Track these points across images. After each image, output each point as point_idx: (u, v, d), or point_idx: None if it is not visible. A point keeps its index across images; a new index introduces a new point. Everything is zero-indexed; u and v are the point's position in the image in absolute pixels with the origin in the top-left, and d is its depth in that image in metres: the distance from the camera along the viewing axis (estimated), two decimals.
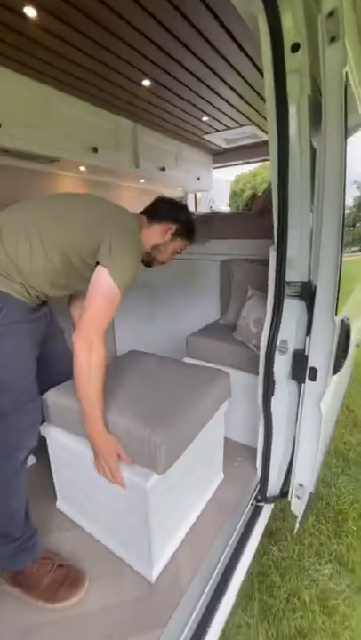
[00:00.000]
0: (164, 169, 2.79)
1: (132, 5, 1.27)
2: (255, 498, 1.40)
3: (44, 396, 1.12)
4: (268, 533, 1.53)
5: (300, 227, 1.10)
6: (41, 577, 0.97)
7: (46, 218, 1.03)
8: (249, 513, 1.34)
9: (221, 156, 3.50)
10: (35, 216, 1.02)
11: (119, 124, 2.30)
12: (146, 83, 1.84)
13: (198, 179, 3.37)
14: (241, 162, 3.47)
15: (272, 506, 1.45)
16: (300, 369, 1.19)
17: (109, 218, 1.07)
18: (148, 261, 1.26)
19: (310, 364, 1.15)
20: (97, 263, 0.98)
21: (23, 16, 1.30)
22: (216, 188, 4.05)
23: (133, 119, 2.39)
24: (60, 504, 1.29)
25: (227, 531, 1.20)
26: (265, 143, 3.02)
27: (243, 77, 1.82)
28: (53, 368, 1.18)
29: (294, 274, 1.16)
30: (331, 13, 0.87)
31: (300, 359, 1.19)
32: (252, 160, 3.36)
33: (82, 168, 2.33)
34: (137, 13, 1.32)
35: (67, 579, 0.99)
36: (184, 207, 1.27)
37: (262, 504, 1.40)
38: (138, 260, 1.08)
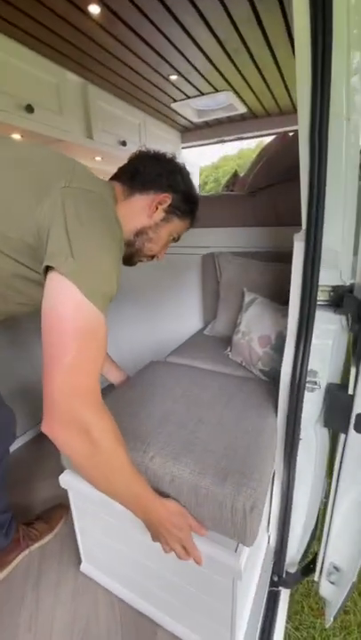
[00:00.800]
0: (124, 143, 2.29)
1: None
2: (271, 580, 1.03)
3: None
4: None
5: (343, 204, 0.71)
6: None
7: None
8: (265, 608, 0.96)
9: (192, 133, 3.06)
10: None
11: (64, 77, 1.75)
12: (94, 10, 1.34)
13: None
14: (213, 140, 3.05)
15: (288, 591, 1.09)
16: (340, 414, 0.81)
17: (58, 179, 0.61)
18: (128, 256, 0.84)
19: (358, 409, 0.77)
20: (47, 269, 0.55)
21: None
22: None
23: (82, 73, 1.86)
24: (85, 567, 1.01)
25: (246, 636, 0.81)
26: (242, 118, 2.62)
27: (228, 12, 1.38)
28: None
29: (332, 274, 0.77)
30: None
31: (340, 400, 0.81)
32: (227, 138, 2.95)
33: (15, 135, 1.78)
34: None
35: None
36: (181, 166, 0.82)
37: (279, 588, 1.03)
38: (119, 253, 0.66)
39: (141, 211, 0.78)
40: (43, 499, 1.28)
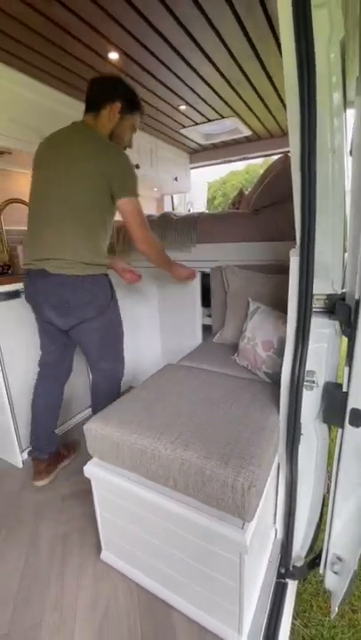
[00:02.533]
0: (137, 166, 2.47)
1: None
2: (278, 572, 1.09)
3: (85, 427, 0.97)
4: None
5: (332, 222, 0.82)
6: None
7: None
8: (272, 597, 1.02)
9: (199, 154, 3.24)
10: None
11: (82, 110, 1.95)
12: (113, 56, 1.53)
13: (176, 179, 3.09)
14: (220, 161, 3.23)
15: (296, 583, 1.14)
16: (337, 410, 0.89)
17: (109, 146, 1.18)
18: None
19: (352, 404, 0.86)
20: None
21: None
22: (193, 191, 3.78)
23: None
24: (105, 555, 1.10)
25: (252, 633, 0.87)
26: (247, 140, 2.80)
27: (230, 51, 1.54)
28: None
29: (324, 284, 0.87)
30: None
31: (335, 397, 0.89)
32: (233, 159, 3.12)
33: None
34: None
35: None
36: (118, 78, 1.23)
37: (287, 580, 1.08)
38: (124, 153, 1.19)
39: (107, 121, 1.19)
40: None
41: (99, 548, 1.10)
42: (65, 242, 1.16)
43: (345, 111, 0.86)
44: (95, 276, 1.22)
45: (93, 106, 1.18)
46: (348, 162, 0.85)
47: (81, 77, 1.73)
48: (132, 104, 1.22)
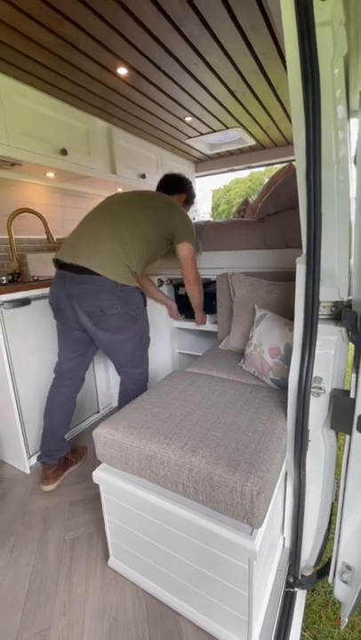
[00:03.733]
0: (144, 176, 2.52)
1: None
2: (286, 581, 1.08)
3: (94, 432, 0.98)
4: None
5: (337, 230, 0.84)
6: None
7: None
8: (281, 606, 1.01)
9: (204, 163, 3.29)
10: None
11: (93, 124, 2.01)
12: (122, 71, 1.58)
13: None
14: (225, 170, 3.27)
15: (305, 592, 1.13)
16: (344, 416, 0.90)
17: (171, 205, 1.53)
18: None
19: (360, 410, 0.86)
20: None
21: None
22: (198, 199, 3.83)
23: (108, 119, 2.12)
24: (113, 562, 1.08)
25: (262, 634, 0.86)
26: (251, 149, 2.84)
27: (235, 65, 1.58)
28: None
29: (330, 291, 0.88)
30: None
31: (343, 403, 0.90)
32: (237, 167, 3.16)
33: (50, 174, 2.01)
34: None
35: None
36: (186, 178, 1.72)
37: (295, 589, 1.07)
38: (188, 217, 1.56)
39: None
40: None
41: (106, 555, 1.10)
42: (110, 250, 1.28)
43: (349, 121, 0.88)
44: (131, 287, 1.32)
45: (167, 191, 1.62)
46: (353, 170, 0.87)
47: (90, 91, 1.78)
48: (191, 199, 1.74)
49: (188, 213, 1.59)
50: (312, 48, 0.74)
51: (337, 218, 0.83)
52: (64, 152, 1.83)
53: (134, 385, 1.47)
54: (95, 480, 0.98)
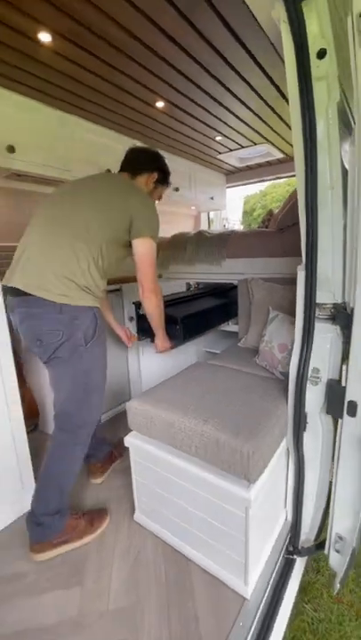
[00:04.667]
0: (177, 189, 2.77)
1: (145, 23, 1.25)
2: (286, 549, 1.23)
3: (127, 404, 1.19)
4: (301, 588, 1.34)
5: (331, 243, 1.00)
6: (78, 524, 1.21)
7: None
8: (280, 568, 1.16)
9: (235, 175, 3.49)
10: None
11: (131, 145, 2.30)
12: (160, 104, 1.84)
13: (212, 198, 3.35)
14: (255, 180, 3.44)
15: (305, 559, 1.27)
16: (337, 402, 1.04)
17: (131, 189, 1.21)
18: None
19: (349, 396, 1.01)
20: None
21: (38, 42, 1.30)
22: (228, 207, 4.01)
23: (147, 141, 2.40)
24: (138, 517, 1.30)
25: (254, 596, 1.03)
26: (279, 161, 3.00)
27: (257, 93, 1.78)
28: None
29: (326, 295, 1.04)
30: None
31: (335, 391, 1.05)
32: (267, 178, 3.32)
33: None
34: (149, 31, 1.30)
35: (94, 517, 1.27)
36: (158, 154, 1.36)
37: (295, 557, 1.22)
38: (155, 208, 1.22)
39: (143, 185, 1.29)
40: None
41: (133, 511, 1.32)
42: (46, 262, 1.03)
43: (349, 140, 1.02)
44: (78, 308, 1.05)
45: (131, 170, 1.27)
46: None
47: (134, 121, 2.08)
48: (165, 177, 1.37)
49: (159, 195, 1.37)
50: (310, 98, 0.92)
51: (331, 233, 0.99)
52: (108, 172, 2.13)
53: (56, 445, 1.16)
54: (126, 444, 1.21)
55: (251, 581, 1.02)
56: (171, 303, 1.78)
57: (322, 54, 0.90)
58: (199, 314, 1.73)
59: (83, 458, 1.21)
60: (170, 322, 1.53)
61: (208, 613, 0.98)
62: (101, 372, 1.19)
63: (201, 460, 1.02)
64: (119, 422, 2.05)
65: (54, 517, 1.14)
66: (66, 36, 1.27)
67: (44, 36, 1.26)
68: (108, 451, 1.56)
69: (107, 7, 1.16)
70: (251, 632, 0.95)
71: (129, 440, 1.20)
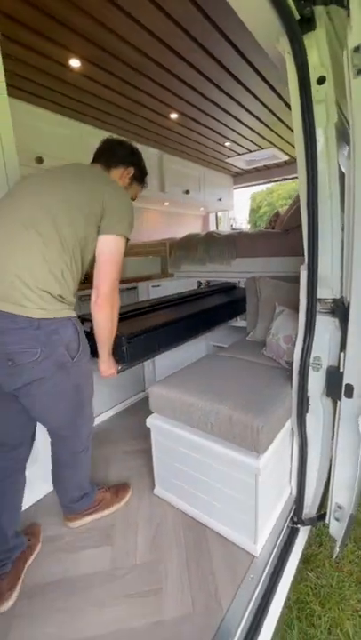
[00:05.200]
0: (188, 192, 2.91)
1: (160, 47, 1.40)
2: (291, 519, 1.37)
3: (149, 389, 1.33)
4: (304, 559, 1.48)
5: (330, 245, 1.13)
6: (105, 496, 1.35)
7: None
8: (285, 536, 1.31)
9: (242, 176, 3.61)
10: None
11: (147, 152, 2.46)
12: (173, 115, 1.98)
13: (220, 199, 3.48)
14: (261, 182, 3.56)
15: (308, 529, 1.41)
16: (336, 385, 1.18)
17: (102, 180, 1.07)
18: None
19: (346, 380, 1.14)
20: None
21: (68, 67, 1.45)
22: (235, 206, 4.14)
23: (160, 148, 2.55)
24: (157, 490, 1.45)
25: (262, 554, 1.17)
26: (285, 163, 3.13)
27: (264, 104, 1.91)
28: None
29: (326, 291, 1.17)
30: (357, 49, 0.92)
31: (334, 375, 1.18)
32: (273, 179, 3.44)
33: None
34: (164, 53, 1.44)
35: (119, 489, 1.42)
36: (136, 149, 1.23)
37: (298, 526, 1.36)
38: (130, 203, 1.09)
39: (117, 180, 1.15)
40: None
41: (152, 487, 1.48)
42: (13, 271, 0.90)
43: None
44: (57, 320, 0.94)
45: (105, 162, 1.13)
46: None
47: (149, 130, 2.23)
48: (142, 175, 1.23)
49: (135, 194, 1.23)
50: (311, 118, 1.05)
51: (330, 236, 1.12)
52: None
53: (70, 457, 1.17)
54: (148, 424, 1.36)
55: (259, 541, 1.16)
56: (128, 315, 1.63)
57: (321, 81, 1.03)
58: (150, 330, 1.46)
59: (89, 455, 1.25)
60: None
61: (222, 569, 1.13)
62: (91, 382, 1.14)
63: (215, 436, 1.17)
64: (136, 409, 2.21)
65: (82, 499, 1.28)
66: (91, 61, 1.42)
67: (74, 62, 1.41)
68: (22, 548, 1.14)
69: (127, 34, 1.31)
70: (260, 584, 1.09)
71: (150, 421, 1.35)
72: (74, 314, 1.02)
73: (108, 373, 1.23)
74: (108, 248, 1.01)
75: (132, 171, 1.18)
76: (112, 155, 1.15)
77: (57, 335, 0.95)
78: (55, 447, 1.18)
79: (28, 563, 1.15)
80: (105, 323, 1.07)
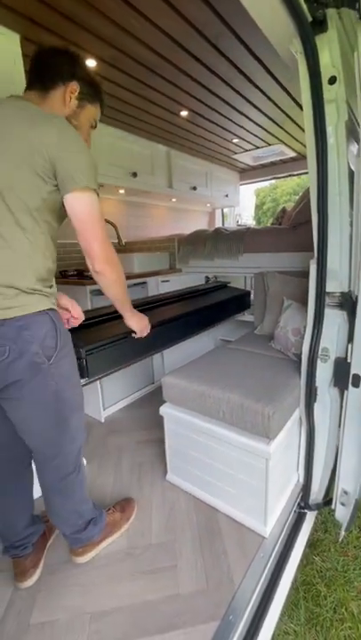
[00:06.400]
0: (195, 188, 2.95)
1: (173, 46, 1.43)
2: (298, 505, 1.42)
3: (162, 379, 1.38)
4: (310, 544, 1.53)
5: (339, 240, 1.17)
6: (114, 517, 1.27)
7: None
8: (292, 520, 1.36)
9: (248, 172, 3.64)
10: None
11: (155, 149, 2.50)
12: (183, 113, 2.01)
13: (226, 195, 3.51)
14: (267, 178, 3.58)
15: (315, 514, 1.46)
16: (343, 376, 1.23)
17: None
18: None
19: (353, 370, 1.19)
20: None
21: None
22: (241, 203, 4.16)
23: (168, 144, 2.58)
24: (170, 477, 1.50)
25: (272, 535, 1.23)
26: (292, 160, 3.16)
27: (272, 101, 1.94)
28: None
29: (335, 284, 1.21)
30: None
31: (342, 366, 1.23)
32: (279, 176, 3.46)
33: (121, 191, 2.53)
34: (176, 52, 1.47)
35: (124, 506, 1.34)
36: (77, 55, 0.90)
37: (305, 511, 1.41)
38: (86, 145, 0.83)
39: (60, 104, 0.86)
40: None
41: (165, 474, 1.54)
42: None
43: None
44: (28, 316, 0.80)
45: (40, 82, 0.85)
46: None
47: (158, 127, 2.27)
48: (93, 90, 0.92)
49: (92, 118, 0.96)
50: (322, 117, 1.09)
51: (339, 232, 1.16)
52: (135, 174, 2.33)
53: (58, 482, 1.00)
54: (161, 413, 1.42)
55: (269, 523, 1.22)
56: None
57: (332, 80, 1.07)
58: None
59: (83, 475, 1.07)
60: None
61: (234, 548, 1.19)
62: (77, 387, 0.98)
63: (227, 424, 1.23)
64: (145, 402, 2.27)
65: (88, 527, 1.11)
66: (107, 61, 1.46)
67: (90, 62, 1.45)
68: (40, 533, 1.15)
69: (142, 35, 1.34)
70: (269, 563, 1.15)
71: (164, 410, 1.41)
72: (50, 304, 0.85)
73: (141, 326, 1.19)
74: (81, 205, 0.82)
75: (75, 87, 0.87)
76: (45, 70, 0.85)
77: (27, 331, 0.80)
78: (40, 471, 1.00)
79: (49, 542, 1.21)
80: (113, 286, 0.97)
